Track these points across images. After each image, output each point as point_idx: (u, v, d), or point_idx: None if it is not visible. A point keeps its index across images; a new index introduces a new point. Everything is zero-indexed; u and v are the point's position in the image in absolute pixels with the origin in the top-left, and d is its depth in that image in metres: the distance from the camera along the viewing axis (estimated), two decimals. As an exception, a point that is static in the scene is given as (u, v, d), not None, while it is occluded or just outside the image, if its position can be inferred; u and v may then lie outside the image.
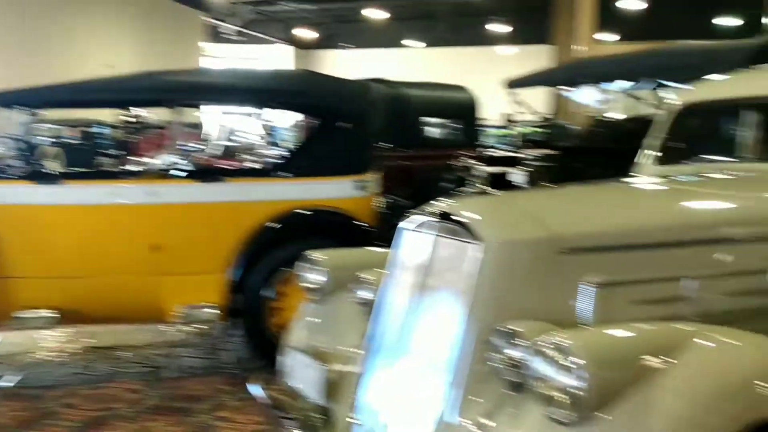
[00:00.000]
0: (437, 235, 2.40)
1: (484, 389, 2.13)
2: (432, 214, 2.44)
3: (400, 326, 2.46)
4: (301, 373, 2.80)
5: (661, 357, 1.86)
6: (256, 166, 7.21)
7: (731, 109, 3.83)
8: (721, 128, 4.24)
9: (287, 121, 11.91)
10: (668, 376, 1.83)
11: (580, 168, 6.48)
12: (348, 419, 2.52)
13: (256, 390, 2.96)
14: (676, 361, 1.86)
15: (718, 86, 3.74)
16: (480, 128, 8.72)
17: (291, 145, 7.43)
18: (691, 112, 3.75)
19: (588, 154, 6.76)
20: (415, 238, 2.52)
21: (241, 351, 5.09)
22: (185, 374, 4.95)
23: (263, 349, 4.59)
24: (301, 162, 5.02)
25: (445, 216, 2.39)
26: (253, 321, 4.69)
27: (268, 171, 5.17)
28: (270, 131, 5.49)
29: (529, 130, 10.56)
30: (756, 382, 1.90)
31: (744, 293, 2.49)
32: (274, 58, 28.53)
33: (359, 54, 28.82)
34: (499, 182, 6.21)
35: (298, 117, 7.68)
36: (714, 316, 2.41)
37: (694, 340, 1.95)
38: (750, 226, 2.58)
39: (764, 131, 3.57)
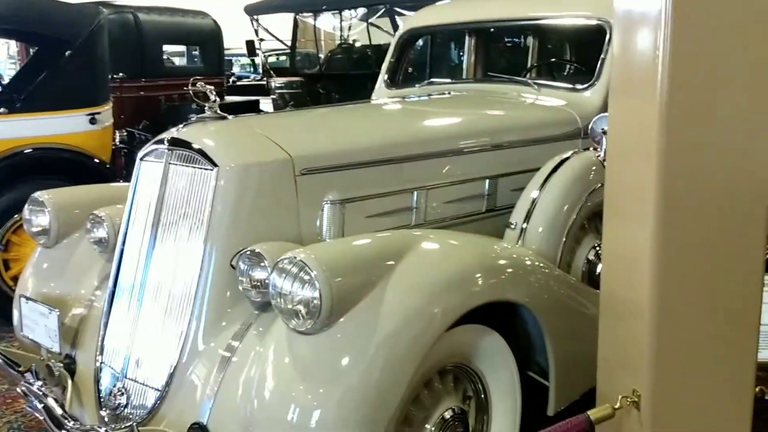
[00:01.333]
0: (170, 164, 2.32)
1: (232, 313, 2.16)
2: (164, 141, 2.35)
3: (143, 261, 2.37)
4: (36, 323, 2.60)
5: (392, 261, 2.01)
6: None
7: (454, 33, 4.14)
8: (446, 52, 4.58)
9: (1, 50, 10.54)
10: (398, 277, 1.98)
11: (324, 94, 6.64)
12: (95, 363, 2.40)
13: (-14, 349, 2.71)
14: (404, 263, 2.02)
15: (438, 12, 4.00)
16: (224, 56, 8.47)
17: (8, 78, 6.60)
18: (415, 37, 3.99)
19: (330, 80, 6.91)
20: (150, 168, 2.41)
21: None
22: None
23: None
24: (20, 96, 4.50)
25: (178, 143, 2.31)
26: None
27: None
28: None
29: (272, 58, 10.46)
30: (474, 274, 2.13)
31: (465, 199, 2.77)
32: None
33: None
34: (243, 110, 6.13)
35: (13, 45, 6.85)
36: (441, 221, 2.67)
37: (421, 243, 2.14)
38: (469, 139, 2.85)
39: (480, 54, 3.93)
